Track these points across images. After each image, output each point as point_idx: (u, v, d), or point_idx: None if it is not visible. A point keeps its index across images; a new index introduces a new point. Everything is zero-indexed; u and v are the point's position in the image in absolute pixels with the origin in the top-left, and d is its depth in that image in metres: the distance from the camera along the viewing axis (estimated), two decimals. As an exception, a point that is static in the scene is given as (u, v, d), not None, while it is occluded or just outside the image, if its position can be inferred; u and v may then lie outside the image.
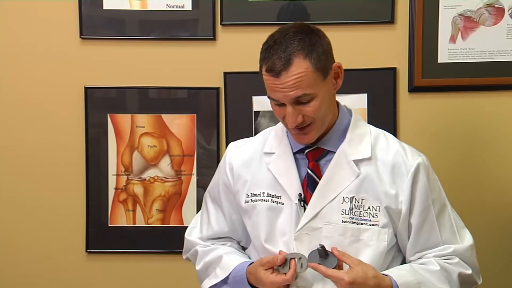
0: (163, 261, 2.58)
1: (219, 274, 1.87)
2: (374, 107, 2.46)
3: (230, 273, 1.84)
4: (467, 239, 1.86)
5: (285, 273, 1.73)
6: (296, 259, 1.73)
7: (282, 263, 1.74)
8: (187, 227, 2.05)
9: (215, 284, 1.88)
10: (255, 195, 1.87)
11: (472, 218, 2.47)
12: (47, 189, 2.59)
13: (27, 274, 2.62)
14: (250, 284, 1.81)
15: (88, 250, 2.59)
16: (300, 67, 1.70)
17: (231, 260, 1.87)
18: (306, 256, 1.74)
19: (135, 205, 2.57)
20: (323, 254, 1.71)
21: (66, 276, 2.61)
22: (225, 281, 1.85)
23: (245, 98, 2.51)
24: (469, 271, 1.82)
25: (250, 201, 1.87)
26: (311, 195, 1.80)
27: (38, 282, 2.62)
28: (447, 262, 1.80)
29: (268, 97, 1.78)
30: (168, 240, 2.56)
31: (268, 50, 1.74)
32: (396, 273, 1.75)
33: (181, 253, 2.07)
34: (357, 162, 1.81)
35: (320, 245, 1.71)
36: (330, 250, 1.73)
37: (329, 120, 1.83)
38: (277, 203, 1.83)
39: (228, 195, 1.93)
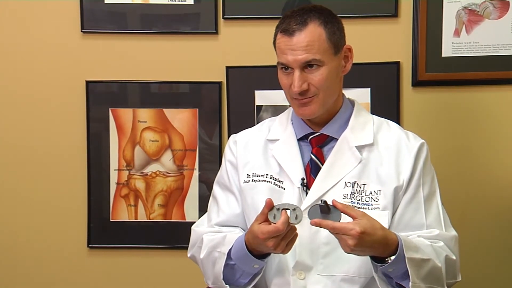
0: (165, 256, 2.57)
1: (223, 250, 1.79)
2: (377, 101, 2.45)
3: (232, 246, 1.77)
4: (453, 232, 1.86)
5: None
6: (290, 210, 1.64)
7: (274, 214, 1.64)
8: (189, 222, 2.03)
9: (225, 266, 1.78)
10: (258, 175, 1.88)
11: (474, 212, 2.48)
12: (48, 184, 2.58)
13: (29, 269, 2.61)
14: (251, 252, 1.73)
15: (90, 245, 2.58)
16: (314, 32, 1.77)
17: (234, 236, 1.80)
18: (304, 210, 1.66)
19: (137, 200, 2.56)
20: (325, 209, 1.64)
21: (67, 271, 2.60)
22: (229, 258, 1.78)
23: (248, 93, 2.50)
24: (454, 257, 1.81)
25: (251, 180, 1.88)
26: (314, 180, 1.81)
27: (39, 278, 2.61)
28: (435, 244, 1.79)
29: (277, 63, 1.82)
30: (170, 235, 2.55)
31: (285, 17, 1.82)
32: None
33: (183, 248, 2.06)
34: (360, 148, 1.84)
35: (322, 200, 1.64)
36: (332, 204, 1.65)
37: (333, 101, 1.85)
38: (279, 187, 1.85)
39: (236, 173, 1.93)
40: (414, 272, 1.67)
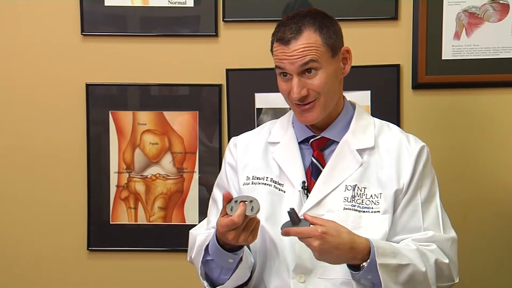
0: (164, 259, 2.56)
1: (204, 246, 1.80)
2: (377, 104, 2.45)
3: (209, 242, 1.78)
4: (451, 234, 1.85)
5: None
6: (247, 201, 1.65)
7: (231, 207, 1.65)
8: (189, 225, 2.03)
9: (205, 263, 1.80)
10: (258, 178, 1.88)
11: (475, 214, 2.48)
12: (48, 187, 2.58)
13: (28, 272, 2.61)
14: (223, 246, 1.74)
15: (90, 248, 2.58)
16: (309, 38, 1.76)
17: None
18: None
19: (137, 202, 2.56)
20: (295, 218, 1.65)
21: (67, 274, 2.60)
22: (207, 253, 1.78)
23: (248, 95, 2.49)
24: (446, 260, 1.79)
25: (250, 183, 1.88)
26: (315, 183, 1.81)
27: (39, 280, 2.61)
28: (425, 248, 1.78)
29: (276, 67, 1.82)
30: (170, 238, 2.54)
31: (280, 25, 1.82)
32: (372, 238, 1.74)
33: (183, 251, 2.05)
34: (361, 151, 1.84)
35: (290, 208, 1.66)
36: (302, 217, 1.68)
37: (334, 104, 1.85)
38: (279, 190, 1.85)
39: (235, 176, 1.93)
40: (389, 278, 1.68)
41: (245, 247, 1.81)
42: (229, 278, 1.79)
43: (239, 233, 1.67)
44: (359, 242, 1.67)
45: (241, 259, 1.77)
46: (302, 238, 1.65)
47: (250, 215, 1.65)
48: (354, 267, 1.70)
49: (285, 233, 1.66)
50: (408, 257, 1.72)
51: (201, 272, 1.84)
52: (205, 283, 1.83)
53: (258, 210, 1.65)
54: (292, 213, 1.65)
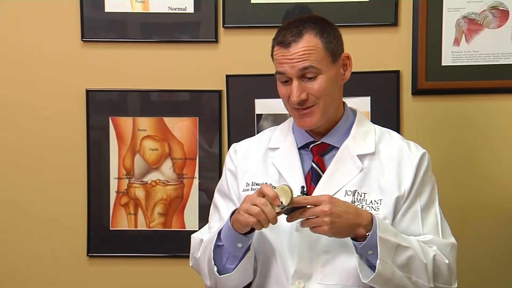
0: (164, 265, 2.56)
1: (216, 232, 1.79)
2: (377, 110, 2.45)
3: (222, 226, 1.78)
4: (450, 240, 1.86)
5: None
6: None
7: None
8: (189, 230, 2.02)
9: (215, 248, 1.78)
10: (257, 184, 1.87)
11: (474, 219, 2.48)
12: (48, 193, 2.58)
13: (28, 278, 2.61)
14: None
15: (90, 254, 2.57)
16: (310, 42, 1.78)
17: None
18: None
19: (137, 208, 2.56)
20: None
21: (67, 280, 2.60)
22: (219, 238, 1.78)
23: (248, 101, 2.50)
24: (446, 261, 1.80)
25: (250, 189, 1.88)
26: (315, 188, 1.81)
27: (39, 286, 2.60)
28: (425, 244, 1.79)
29: (276, 73, 1.82)
30: (170, 244, 2.54)
31: (281, 29, 1.83)
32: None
33: (183, 257, 2.06)
34: (361, 156, 1.84)
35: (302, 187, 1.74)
36: None
37: (333, 110, 1.85)
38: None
39: (236, 182, 1.93)
40: (388, 254, 1.68)
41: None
42: (235, 267, 1.77)
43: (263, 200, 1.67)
44: (361, 209, 1.73)
45: (248, 248, 1.77)
46: (308, 215, 1.67)
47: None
48: (357, 241, 1.71)
49: (294, 203, 1.67)
50: (408, 242, 1.73)
51: (210, 259, 1.80)
52: (215, 268, 1.79)
53: (291, 198, 1.67)
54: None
